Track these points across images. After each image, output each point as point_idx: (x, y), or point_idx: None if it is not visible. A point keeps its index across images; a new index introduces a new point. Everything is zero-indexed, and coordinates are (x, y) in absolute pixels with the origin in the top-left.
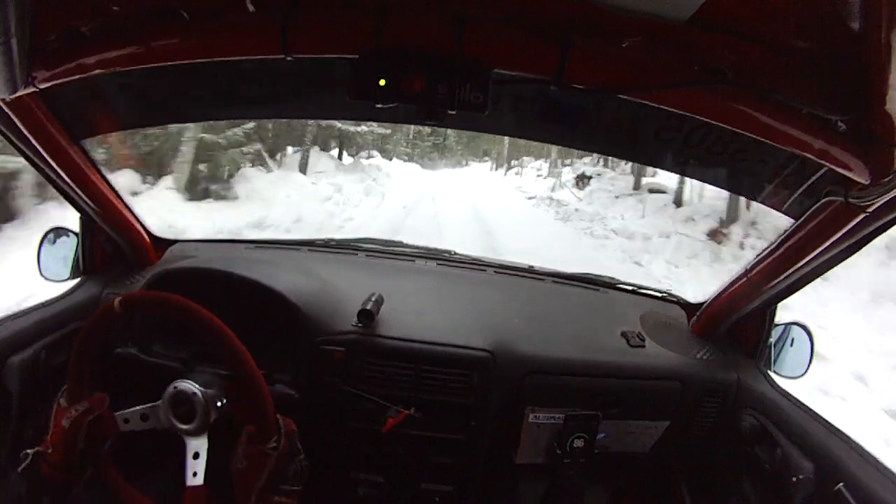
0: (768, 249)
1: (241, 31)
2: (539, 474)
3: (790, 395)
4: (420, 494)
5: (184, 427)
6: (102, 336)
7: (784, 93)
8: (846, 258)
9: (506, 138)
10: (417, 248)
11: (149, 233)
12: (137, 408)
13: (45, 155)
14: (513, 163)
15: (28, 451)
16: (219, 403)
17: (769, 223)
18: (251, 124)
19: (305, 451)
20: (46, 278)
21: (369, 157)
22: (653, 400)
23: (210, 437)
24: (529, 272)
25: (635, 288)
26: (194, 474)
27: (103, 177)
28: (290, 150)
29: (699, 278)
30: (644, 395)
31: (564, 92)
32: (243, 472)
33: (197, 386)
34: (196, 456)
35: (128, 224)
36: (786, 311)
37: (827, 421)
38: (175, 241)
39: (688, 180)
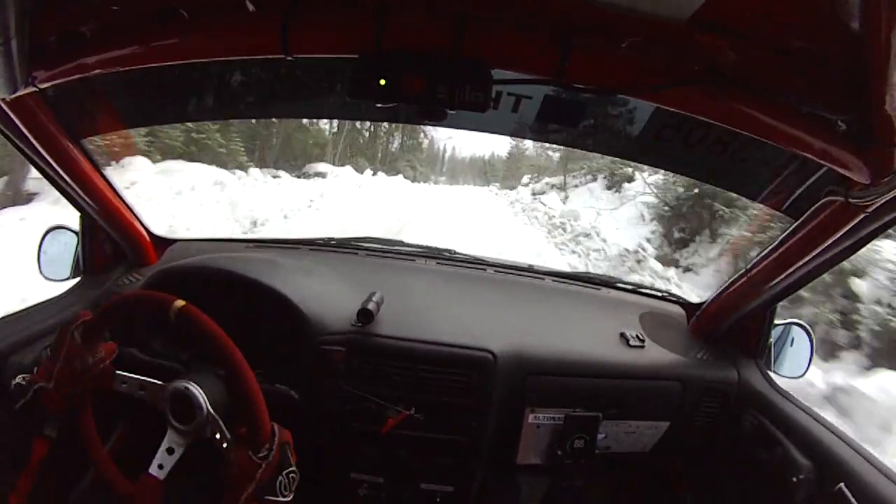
0: (768, 249)
1: (240, 31)
2: (539, 475)
3: (790, 395)
4: (420, 495)
5: (176, 424)
6: (146, 314)
7: (784, 93)
8: (846, 258)
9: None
10: (417, 247)
11: (149, 232)
12: (140, 377)
13: (45, 155)
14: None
15: (21, 380)
16: (217, 434)
17: None
18: None
19: (305, 451)
20: (46, 277)
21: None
22: (653, 400)
23: (200, 441)
24: (529, 271)
25: (635, 287)
26: (160, 466)
27: (103, 176)
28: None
29: None
30: (644, 396)
31: (564, 92)
32: (231, 477)
33: (205, 399)
34: (170, 451)
35: (128, 223)
36: None
37: (827, 421)
38: (175, 241)
39: None
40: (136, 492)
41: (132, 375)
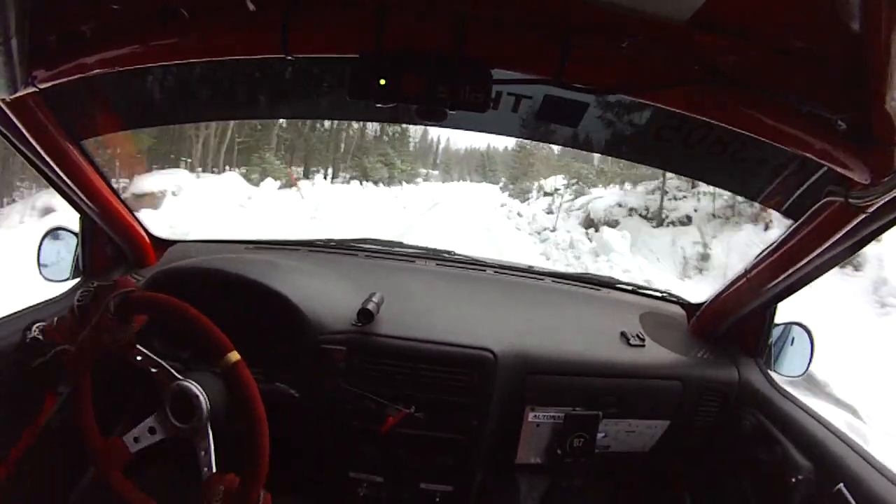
0: (769, 249)
1: (241, 30)
2: (539, 474)
3: (790, 394)
4: (420, 494)
5: (172, 419)
6: (195, 339)
7: (784, 93)
8: (846, 258)
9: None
10: (417, 248)
11: (149, 233)
12: (157, 359)
13: (44, 155)
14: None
15: (37, 332)
16: (209, 454)
17: None
18: None
19: (305, 451)
20: (47, 278)
21: None
22: (653, 399)
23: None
24: (529, 272)
25: (635, 288)
26: (135, 439)
27: (103, 177)
28: None
29: None
30: (644, 395)
31: (564, 92)
32: None
33: (208, 407)
34: (152, 431)
35: (128, 225)
36: None
37: (827, 421)
38: (175, 242)
39: None
40: (101, 449)
41: (150, 353)
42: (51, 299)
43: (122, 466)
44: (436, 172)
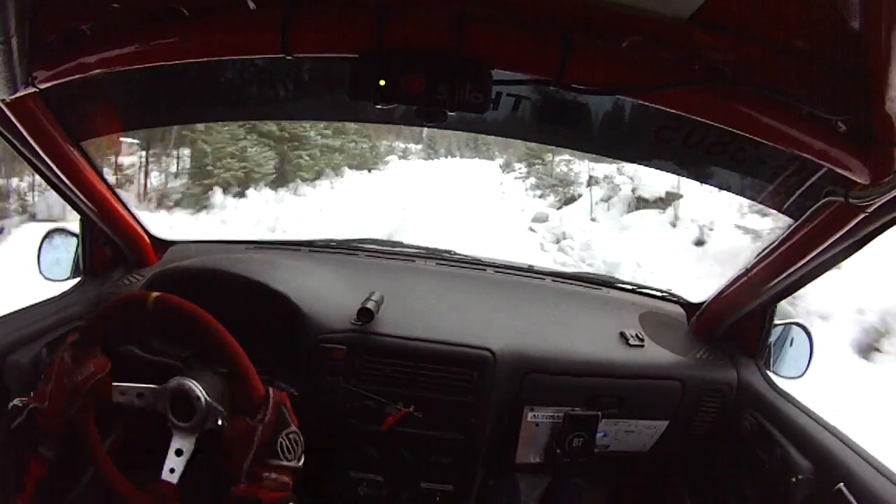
0: (768, 249)
1: (241, 29)
2: (538, 473)
3: (790, 395)
4: (420, 493)
5: (178, 423)
6: (126, 315)
7: (784, 93)
8: (846, 258)
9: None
10: (417, 247)
11: (149, 234)
12: (137, 385)
13: (44, 156)
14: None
15: (18, 402)
16: (219, 421)
17: None
18: None
19: (306, 451)
20: (47, 278)
21: None
22: (652, 399)
23: (201, 440)
24: (529, 271)
25: (635, 287)
26: (171, 470)
27: (103, 178)
28: None
29: None
30: (644, 395)
31: (564, 92)
32: (230, 445)
33: (202, 390)
34: (179, 453)
35: (127, 225)
36: None
37: (826, 421)
38: (175, 242)
39: None
40: (154, 501)
41: (129, 385)
42: (50, 299)
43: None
44: (419, 147)
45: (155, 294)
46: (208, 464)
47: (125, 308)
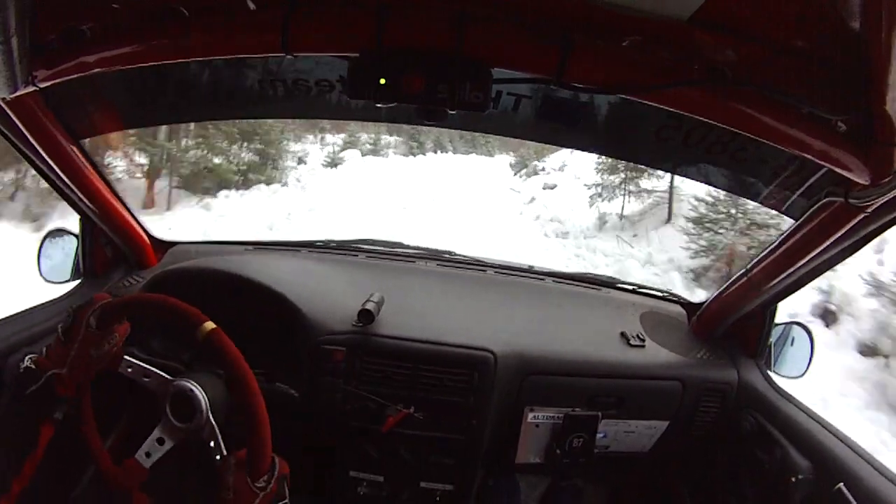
0: (768, 249)
1: (241, 28)
2: (538, 474)
3: (790, 395)
4: (420, 493)
5: (174, 422)
6: (169, 323)
7: (784, 93)
8: (846, 258)
9: None
10: (417, 248)
11: (149, 235)
12: (147, 366)
13: (44, 155)
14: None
15: (30, 363)
16: (215, 454)
17: None
18: None
19: (305, 450)
20: (47, 280)
21: None
22: (653, 400)
23: (192, 441)
24: (529, 272)
25: (635, 287)
26: (147, 454)
27: (103, 178)
28: None
29: None
30: (644, 395)
31: (564, 91)
32: (226, 502)
33: (206, 401)
34: (161, 442)
35: (127, 226)
36: None
37: (826, 421)
38: (175, 243)
39: None
40: (118, 475)
41: (138, 362)
42: (49, 301)
43: (139, 486)
44: (399, 139)
45: (211, 327)
46: (189, 468)
47: (179, 319)
